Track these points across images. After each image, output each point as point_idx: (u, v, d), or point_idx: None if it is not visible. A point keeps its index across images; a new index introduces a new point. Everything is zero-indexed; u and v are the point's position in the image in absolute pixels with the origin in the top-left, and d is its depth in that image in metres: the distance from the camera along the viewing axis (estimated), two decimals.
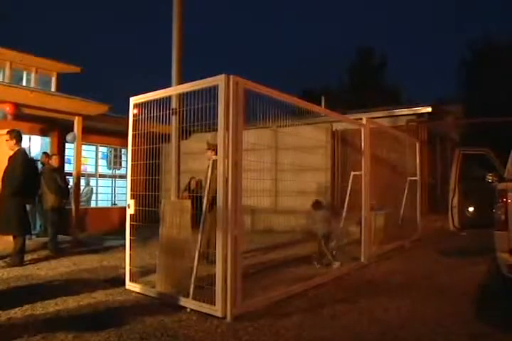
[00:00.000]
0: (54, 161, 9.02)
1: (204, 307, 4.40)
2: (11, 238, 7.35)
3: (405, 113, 11.76)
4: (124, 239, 5.55)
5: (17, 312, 4.47)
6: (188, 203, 5.23)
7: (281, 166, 11.98)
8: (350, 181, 7.28)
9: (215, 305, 4.28)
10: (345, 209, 7.29)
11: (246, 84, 4.47)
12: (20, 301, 4.89)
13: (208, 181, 4.85)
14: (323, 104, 13.24)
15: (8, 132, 7.31)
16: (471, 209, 7.96)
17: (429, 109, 11.49)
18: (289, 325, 4.17)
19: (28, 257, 7.45)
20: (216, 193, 4.39)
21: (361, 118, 7.57)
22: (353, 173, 7.33)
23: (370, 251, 7.27)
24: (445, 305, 4.85)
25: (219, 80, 4.33)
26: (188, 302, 4.58)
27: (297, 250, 8.64)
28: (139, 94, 5.53)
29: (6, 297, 5.14)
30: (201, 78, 4.64)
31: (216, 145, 6.20)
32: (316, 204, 7.21)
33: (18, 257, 7.04)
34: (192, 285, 4.61)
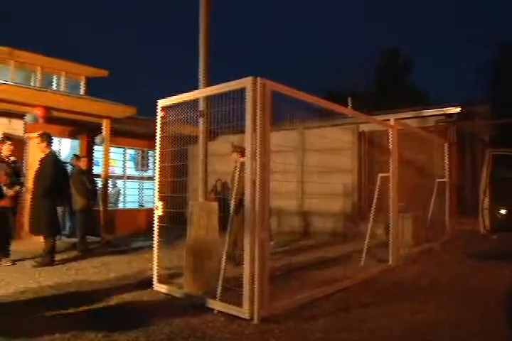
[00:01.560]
0: (83, 163, 9.15)
1: (231, 309, 4.40)
2: (41, 238, 7.50)
3: (433, 113, 11.56)
4: (151, 240, 5.60)
5: (48, 311, 4.54)
6: (215, 205, 5.25)
7: (307, 168, 11.94)
8: (378, 183, 7.20)
9: (242, 306, 4.27)
10: (372, 211, 7.21)
11: (273, 86, 4.46)
12: (50, 301, 5.00)
13: (235, 183, 4.86)
14: (349, 105, 13.13)
15: (39, 135, 7.47)
16: (502, 211, 7.79)
17: (458, 110, 11.28)
18: (316, 328, 4.15)
19: (58, 257, 7.57)
20: (243, 195, 4.40)
21: (389, 120, 7.49)
22: (380, 175, 7.24)
23: (397, 253, 7.18)
24: (474, 310, 4.75)
25: (246, 82, 4.33)
26: (215, 304, 4.59)
27: (323, 252, 8.60)
28: (164, 96, 5.58)
29: (37, 296, 5.22)
30: (227, 80, 4.66)
31: (242, 148, 6.22)
32: None
33: (48, 257, 7.18)
34: (219, 287, 4.62)
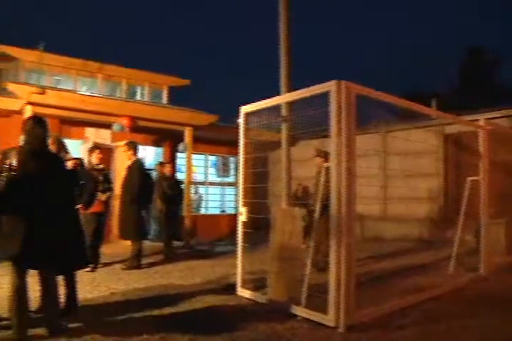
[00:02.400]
0: (167, 170, 9.40)
1: (316, 316, 4.34)
2: (129, 242, 7.80)
3: None
4: (233, 245, 5.66)
5: (136, 313, 4.69)
6: (299, 210, 5.21)
7: (390, 172, 11.63)
8: (467, 187, 6.85)
9: (327, 314, 4.20)
10: (461, 217, 6.86)
11: (357, 88, 4.38)
12: (137, 303, 5.17)
13: (320, 188, 4.80)
14: (433, 106, 12.65)
15: (126, 143, 7.80)
16: None
17: None
18: (402, 338, 4.00)
19: (144, 261, 7.84)
20: (327, 200, 4.33)
21: (478, 120, 7.12)
22: (469, 179, 6.89)
23: (489, 262, 6.78)
24: None
25: (330, 86, 4.28)
26: (299, 310, 4.54)
27: (408, 259, 8.30)
28: (244, 103, 5.64)
29: (126, 297, 5.42)
30: (305, 85, 4.62)
31: (325, 152, 6.14)
32: None
33: (135, 260, 7.46)
34: (304, 293, 4.57)
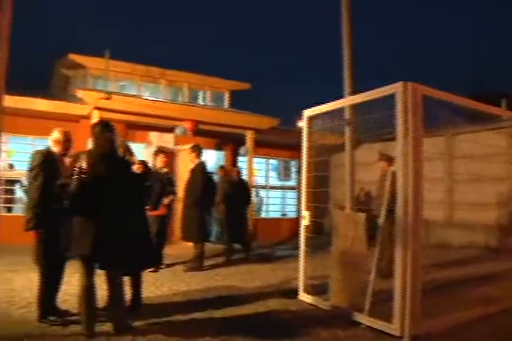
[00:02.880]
0: (234, 173, 9.46)
1: (380, 325, 4.22)
2: (191, 244, 7.91)
3: None
4: (294, 249, 5.60)
5: (199, 315, 4.73)
6: (362, 215, 5.08)
7: (456, 176, 11.21)
8: None
9: (392, 322, 4.07)
10: None
11: (424, 90, 4.24)
12: (200, 304, 5.21)
13: (385, 192, 4.67)
14: (503, 107, 12.10)
15: (191, 147, 7.92)
16: None
17: None
18: None
19: (206, 263, 7.91)
20: (392, 205, 4.21)
21: None
22: None
23: None
24: None
25: (396, 88, 4.17)
26: (362, 318, 4.44)
27: (476, 268, 7.94)
28: (305, 106, 5.59)
29: (187, 298, 5.49)
30: (366, 88, 4.53)
31: (389, 156, 5.98)
32: None
33: (197, 262, 7.55)
34: (367, 301, 4.45)
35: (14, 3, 2.56)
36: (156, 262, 6.88)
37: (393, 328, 4.06)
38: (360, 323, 4.43)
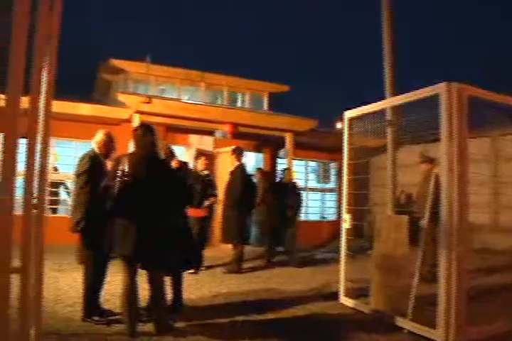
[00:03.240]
0: (288, 176, 9.22)
1: (423, 331, 4.12)
2: (230, 246, 7.93)
3: None
4: (333, 252, 5.54)
5: (239, 317, 4.72)
6: (405, 218, 4.99)
7: (502, 178, 10.87)
8: None
9: (435, 328, 3.97)
10: None
11: (469, 90, 4.12)
12: (240, 306, 5.23)
13: (428, 195, 4.57)
14: None
15: (232, 149, 7.95)
16: None
17: None
18: None
19: (245, 265, 7.91)
20: (435, 208, 4.11)
21: None
22: None
23: None
24: None
25: (440, 89, 4.07)
26: (405, 323, 4.35)
27: None
28: (343, 108, 5.55)
29: (228, 301, 5.49)
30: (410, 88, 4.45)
31: (431, 158, 5.85)
32: None
33: (236, 265, 7.56)
34: (410, 305, 4.36)
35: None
36: (196, 263, 6.93)
37: (437, 334, 3.96)
38: (402, 328, 4.35)
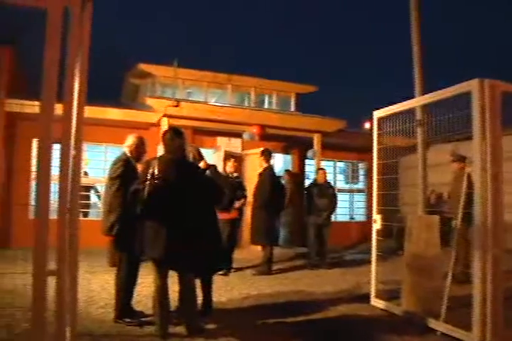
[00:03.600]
0: (319, 176, 8.83)
1: (457, 333, 4.04)
2: (259, 248, 7.94)
3: None
4: (362, 253, 5.49)
5: (269, 319, 4.73)
6: (436, 218, 4.91)
7: None
8: None
9: (470, 331, 3.88)
10: None
11: (502, 87, 4.02)
12: (270, 308, 5.24)
13: (460, 195, 4.49)
14: None
15: (261, 151, 7.97)
16: None
17: None
18: None
19: (274, 267, 7.91)
20: (468, 208, 4.04)
21: None
22: None
23: None
24: None
25: (471, 86, 3.99)
26: (438, 325, 4.28)
27: None
28: (372, 108, 5.50)
29: (258, 303, 5.50)
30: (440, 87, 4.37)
31: (462, 157, 5.74)
32: None
33: (266, 266, 7.56)
34: (443, 307, 4.28)
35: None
36: (226, 265, 6.95)
37: (473, 337, 3.87)
38: (435, 330, 4.28)
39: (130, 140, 4.61)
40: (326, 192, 8.54)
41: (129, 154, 4.54)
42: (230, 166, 7.57)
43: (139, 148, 4.60)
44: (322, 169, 9.04)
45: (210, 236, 4.39)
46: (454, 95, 4.27)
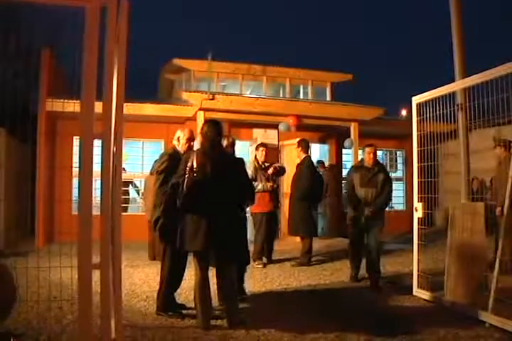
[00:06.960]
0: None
1: (508, 325, 3.88)
2: (297, 239, 7.91)
3: None
4: (403, 243, 5.40)
5: (311, 311, 4.71)
6: (481, 206, 4.76)
7: None
8: None
9: None
10: None
11: None
12: (311, 299, 5.21)
13: (505, 181, 4.34)
14: None
15: (298, 141, 7.93)
16: None
17: None
18: None
19: (314, 258, 7.89)
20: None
21: None
22: None
23: None
24: None
25: None
26: (486, 317, 4.14)
27: None
28: (411, 94, 5.39)
29: (298, 294, 5.48)
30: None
31: (507, 141, 5.56)
32: None
33: (305, 257, 7.54)
34: (491, 298, 4.15)
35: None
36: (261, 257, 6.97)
37: None
38: (484, 322, 4.14)
39: (179, 134, 4.62)
40: (374, 178, 6.19)
41: (178, 148, 4.58)
42: (261, 155, 7.51)
43: (188, 142, 4.59)
44: (371, 146, 6.48)
45: (243, 227, 4.41)
46: (497, 76, 4.09)
